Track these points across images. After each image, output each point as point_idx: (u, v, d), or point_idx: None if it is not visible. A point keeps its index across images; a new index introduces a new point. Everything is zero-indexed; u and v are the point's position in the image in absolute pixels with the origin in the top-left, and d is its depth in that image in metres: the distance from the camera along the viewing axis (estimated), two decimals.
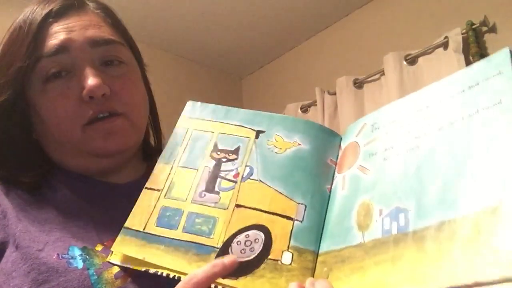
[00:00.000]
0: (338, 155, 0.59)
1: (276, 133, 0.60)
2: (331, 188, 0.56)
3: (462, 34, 1.81)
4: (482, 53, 1.83)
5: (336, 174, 0.57)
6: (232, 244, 0.52)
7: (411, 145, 0.49)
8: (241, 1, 2.31)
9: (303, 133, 0.59)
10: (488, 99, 0.45)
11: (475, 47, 1.79)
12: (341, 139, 0.60)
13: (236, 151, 0.59)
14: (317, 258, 0.51)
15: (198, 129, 0.63)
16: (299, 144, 0.58)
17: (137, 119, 0.68)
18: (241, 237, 0.52)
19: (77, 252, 0.57)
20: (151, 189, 0.58)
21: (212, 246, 0.52)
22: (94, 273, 0.55)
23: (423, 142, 0.49)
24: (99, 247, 0.58)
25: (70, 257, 0.56)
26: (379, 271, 0.44)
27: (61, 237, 0.59)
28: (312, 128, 0.60)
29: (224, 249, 0.51)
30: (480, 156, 0.43)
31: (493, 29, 1.83)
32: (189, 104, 0.66)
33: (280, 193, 0.55)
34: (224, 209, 0.55)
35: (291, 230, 0.52)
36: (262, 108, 0.57)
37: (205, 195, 0.56)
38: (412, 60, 1.94)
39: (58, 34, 0.64)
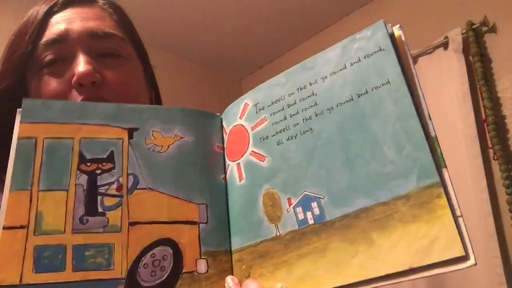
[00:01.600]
0: (223, 139, 0.55)
1: (153, 128, 0.51)
2: (226, 177, 0.53)
3: (462, 34, 1.79)
4: (482, 53, 1.80)
5: (228, 161, 0.54)
6: (138, 270, 0.46)
7: (303, 127, 0.48)
8: (241, 1, 2.18)
9: (182, 123, 0.53)
10: (375, 78, 0.45)
11: (475, 47, 1.77)
12: (221, 119, 0.56)
13: (110, 159, 0.49)
14: (231, 256, 0.49)
15: (50, 136, 0.49)
16: (181, 137, 0.52)
17: None
18: (147, 259, 0.46)
19: None
20: (11, 228, 0.45)
21: (115, 279, 0.45)
22: None
23: (315, 125, 0.48)
24: None
25: None
26: (306, 264, 0.44)
27: None
28: (190, 115, 0.54)
29: (131, 278, 0.45)
30: (378, 139, 0.44)
31: (493, 29, 1.82)
32: (25, 104, 0.50)
33: (176, 197, 0.49)
34: (117, 231, 0.47)
35: (199, 235, 0.48)
36: None
37: (87, 220, 0.47)
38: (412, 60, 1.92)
39: (59, 24, 0.66)
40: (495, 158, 1.79)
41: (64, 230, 0.46)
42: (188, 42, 2.59)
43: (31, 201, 0.46)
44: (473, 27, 1.86)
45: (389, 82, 0.44)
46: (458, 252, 0.37)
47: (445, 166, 0.40)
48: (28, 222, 0.46)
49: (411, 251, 0.39)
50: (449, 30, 1.90)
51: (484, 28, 1.87)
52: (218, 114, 0.57)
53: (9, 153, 0.61)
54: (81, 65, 0.62)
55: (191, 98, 2.62)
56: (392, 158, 0.42)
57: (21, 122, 0.49)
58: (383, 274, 0.40)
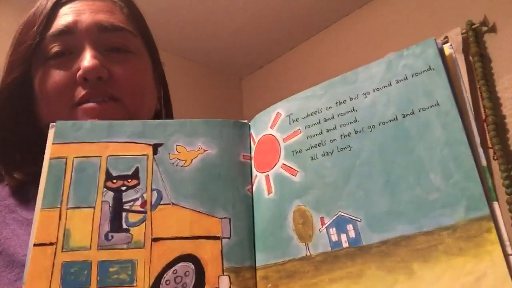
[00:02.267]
0: (250, 147, 0.53)
1: (176, 143, 0.51)
2: (252, 188, 0.51)
3: (462, 34, 1.78)
4: (482, 53, 1.80)
5: (255, 171, 0.51)
6: (160, 286, 0.45)
7: (340, 144, 0.46)
8: (241, 1, 2.17)
9: (205, 135, 0.52)
10: (423, 99, 0.43)
11: (475, 47, 1.77)
12: (249, 127, 0.54)
13: (135, 175, 0.50)
14: (256, 273, 0.47)
15: (80, 155, 0.50)
16: (204, 150, 0.51)
17: (135, 108, 0.65)
18: (169, 275, 0.46)
19: None
20: (41, 244, 0.46)
21: None
22: None
23: (354, 142, 0.46)
24: None
25: None
26: None
27: None
28: (214, 126, 0.53)
29: None
30: (423, 163, 0.42)
31: (493, 29, 1.82)
32: (58, 126, 0.52)
33: (199, 212, 0.48)
34: (140, 247, 0.47)
35: (221, 251, 0.47)
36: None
37: (112, 236, 0.47)
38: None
39: (67, 15, 0.64)
40: (495, 158, 1.79)
41: (90, 246, 0.47)
42: (188, 42, 2.59)
43: (60, 219, 0.48)
44: (473, 27, 1.86)
45: (438, 104, 0.42)
46: None
47: (496, 200, 0.38)
48: (57, 239, 0.47)
49: (456, 286, 0.37)
50: (449, 30, 1.90)
51: (484, 28, 1.88)
52: (246, 121, 0.55)
53: (15, 147, 0.60)
54: (88, 59, 0.60)
55: (191, 98, 2.62)
56: (438, 185, 0.40)
57: (53, 143, 0.51)
58: None
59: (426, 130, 0.42)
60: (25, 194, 0.62)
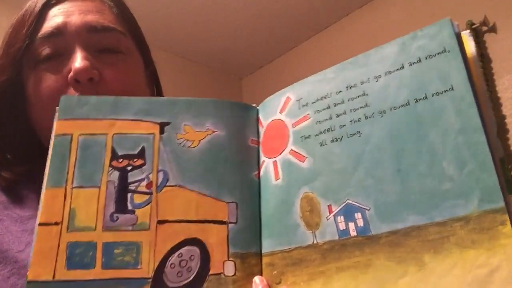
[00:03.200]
0: (258, 132, 0.52)
1: (184, 122, 0.49)
2: (259, 174, 0.50)
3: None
4: (482, 53, 1.76)
5: (263, 157, 0.50)
6: (165, 270, 0.45)
7: (350, 129, 0.45)
8: (241, 1, 2.15)
9: (214, 116, 0.50)
10: (437, 82, 0.41)
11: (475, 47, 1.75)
12: (257, 111, 0.53)
13: (141, 154, 0.48)
14: (261, 259, 0.47)
15: (85, 132, 0.49)
16: (213, 131, 0.49)
17: None
18: (174, 259, 0.45)
19: None
20: (46, 224, 0.45)
21: (142, 278, 0.44)
22: None
23: (364, 128, 0.44)
24: None
25: None
26: (345, 278, 0.42)
27: None
28: (223, 107, 0.51)
29: (158, 278, 0.44)
30: (436, 151, 0.40)
31: (493, 29, 1.77)
32: (63, 101, 0.50)
33: (205, 195, 0.47)
34: (146, 229, 0.46)
35: (227, 236, 0.46)
36: None
37: (118, 217, 0.46)
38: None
39: (56, 17, 0.63)
40: None
41: (95, 227, 0.46)
42: (188, 42, 2.57)
43: (65, 198, 0.47)
44: (473, 27, 1.81)
45: (452, 88, 0.40)
46: None
47: None
48: (62, 219, 0.46)
49: (468, 279, 0.36)
50: None
51: (484, 28, 1.84)
52: (254, 105, 0.53)
53: (6, 147, 0.59)
54: (78, 60, 0.60)
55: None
56: (451, 174, 0.39)
57: (58, 119, 0.50)
58: None
59: (439, 116, 0.40)
60: (18, 192, 0.62)
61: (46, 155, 0.63)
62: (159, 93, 0.78)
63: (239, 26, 2.47)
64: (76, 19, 0.63)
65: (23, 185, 0.63)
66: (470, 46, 0.41)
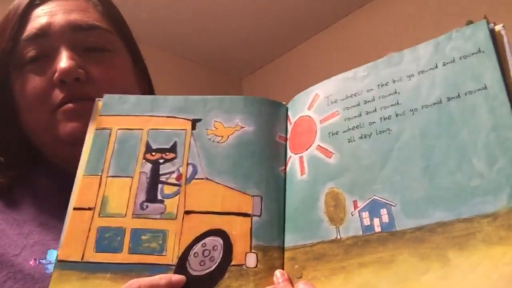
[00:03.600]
0: (287, 129, 0.52)
1: (215, 119, 0.52)
2: (285, 170, 0.50)
3: None
4: None
5: (289, 153, 0.51)
6: (189, 258, 0.46)
7: (379, 127, 0.45)
8: (241, 1, 2.21)
9: (244, 112, 0.52)
10: (470, 82, 0.41)
11: None
12: (287, 109, 0.54)
13: (173, 149, 0.51)
14: (283, 253, 0.46)
15: (123, 127, 0.52)
16: (242, 127, 0.51)
17: None
18: (197, 248, 0.46)
19: (55, 256, 0.50)
20: (80, 209, 0.48)
21: (166, 265, 0.46)
22: None
23: (394, 125, 0.44)
24: None
25: (48, 262, 0.54)
26: (367, 274, 0.41)
27: (40, 240, 0.56)
28: (253, 103, 0.53)
29: (181, 265, 0.45)
30: (466, 148, 0.40)
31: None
32: (105, 99, 0.54)
33: (231, 188, 0.48)
34: (173, 219, 0.48)
35: (251, 228, 0.46)
36: None
37: (147, 206, 0.48)
38: None
39: (40, 18, 0.62)
40: None
41: (126, 214, 0.48)
42: (188, 42, 2.59)
43: (100, 186, 0.50)
44: None
45: (486, 87, 0.40)
46: None
47: None
48: (95, 205, 0.49)
49: (494, 276, 0.35)
50: (449, 30, 1.85)
51: None
52: (284, 103, 0.54)
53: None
54: (63, 60, 0.59)
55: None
56: (481, 171, 0.38)
57: (100, 115, 0.54)
58: None
59: (471, 114, 0.40)
60: (13, 196, 0.62)
61: (39, 158, 0.65)
62: (151, 90, 0.77)
63: (239, 26, 2.49)
64: (60, 18, 0.62)
65: (18, 189, 0.63)
66: (503, 44, 0.41)
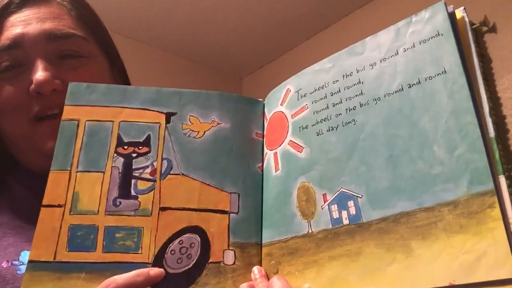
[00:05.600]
0: (263, 126, 0.52)
1: (190, 113, 0.50)
2: (263, 166, 0.50)
3: None
4: (483, 53, 1.68)
5: (266, 149, 0.50)
6: (165, 256, 0.45)
7: (345, 118, 0.44)
8: (241, 1, 2.21)
9: (220, 109, 0.51)
10: (430, 67, 0.40)
11: (475, 47, 1.70)
12: (263, 105, 0.53)
13: (146, 142, 0.49)
14: (261, 250, 0.47)
15: (92, 119, 0.50)
16: (218, 124, 0.50)
17: None
18: (174, 245, 0.46)
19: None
20: (50, 206, 0.47)
21: (142, 263, 0.45)
22: None
23: (359, 116, 0.44)
24: None
25: (20, 263, 0.53)
26: (337, 267, 0.41)
27: (13, 242, 0.56)
28: (229, 100, 0.52)
29: (158, 263, 0.45)
30: (427, 136, 0.39)
31: (493, 29, 1.76)
32: (71, 88, 0.52)
33: (208, 184, 0.48)
34: (147, 215, 0.47)
35: (228, 225, 0.46)
36: None
37: (120, 202, 0.47)
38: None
39: (14, 27, 0.61)
40: None
41: (98, 211, 0.47)
42: (188, 42, 2.57)
43: (69, 181, 0.48)
44: (473, 27, 1.73)
45: (445, 71, 0.39)
46: (509, 272, 0.32)
47: (503, 173, 0.35)
48: (65, 202, 0.47)
49: (454, 265, 0.34)
50: None
51: (484, 28, 1.81)
52: (260, 100, 0.54)
53: None
54: (39, 72, 0.58)
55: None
56: (441, 158, 0.37)
57: (65, 104, 0.51)
58: None
59: (431, 100, 0.39)
60: None
61: (17, 165, 0.65)
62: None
63: (239, 26, 2.47)
64: (34, 28, 0.61)
65: None
66: (466, 27, 0.39)
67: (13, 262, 0.53)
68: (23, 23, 0.62)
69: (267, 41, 2.60)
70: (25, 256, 0.54)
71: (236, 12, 2.35)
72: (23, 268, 0.52)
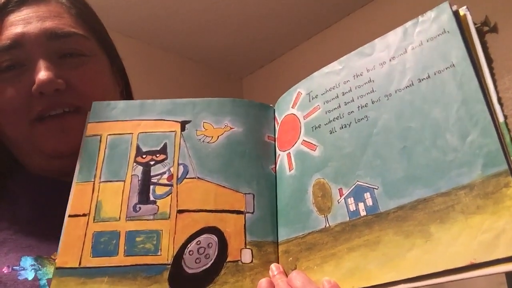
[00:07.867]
0: (275, 130, 0.54)
1: (204, 120, 0.53)
2: (275, 168, 0.52)
3: None
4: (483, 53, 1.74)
5: (278, 151, 0.52)
6: (184, 256, 0.47)
7: (358, 115, 0.46)
8: (242, 1, 2.22)
9: (232, 114, 0.53)
10: (438, 62, 0.42)
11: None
12: (274, 111, 0.55)
13: (163, 150, 0.52)
14: (278, 248, 0.47)
15: (113, 133, 0.54)
16: (231, 128, 0.52)
17: None
18: (192, 246, 0.47)
19: (29, 262, 0.53)
20: (75, 216, 0.49)
21: (162, 264, 0.46)
22: (46, 283, 0.53)
23: (371, 112, 0.45)
24: (56, 255, 0.51)
25: (21, 268, 0.54)
26: (356, 258, 0.42)
27: (14, 248, 0.56)
28: (241, 105, 0.54)
29: (177, 264, 0.46)
30: (439, 125, 0.41)
31: (493, 29, 1.77)
32: (94, 107, 0.55)
33: (223, 186, 0.49)
34: (166, 218, 0.48)
35: (245, 225, 0.48)
36: None
37: (140, 208, 0.49)
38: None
39: (13, 27, 0.61)
40: None
41: (119, 217, 0.49)
42: (188, 42, 2.57)
43: (93, 192, 0.51)
44: (474, 27, 1.78)
45: (453, 65, 0.41)
46: None
47: None
48: (90, 211, 0.50)
49: (474, 245, 0.35)
50: None
51: (485, 28, 1.83)
52: (271, 105, 0.56)
53: None
54: (41, 72, 0.58)
55: (192, 97, 2.55)
56: (455, 145, 0.39)
57: (89, 122, 0.55)
58: (440, 269, 0.36)
59: (442, 92, 0.41)
60: None
61: (18, 168, 0.64)
62: (128, 88, 0.76)
63: (239, 26, 2.47)
64: (34, 27, 0.60)
65: None
66: (469, 24, 0.42)
67: (14, 267, 0.53)
68: (23, 22, 0.61)
69: (267, 41, 2.61)
70: (25, 262, 0.54)
71: (236, 12, 2.36)
72: (23, 273, 0.53)
